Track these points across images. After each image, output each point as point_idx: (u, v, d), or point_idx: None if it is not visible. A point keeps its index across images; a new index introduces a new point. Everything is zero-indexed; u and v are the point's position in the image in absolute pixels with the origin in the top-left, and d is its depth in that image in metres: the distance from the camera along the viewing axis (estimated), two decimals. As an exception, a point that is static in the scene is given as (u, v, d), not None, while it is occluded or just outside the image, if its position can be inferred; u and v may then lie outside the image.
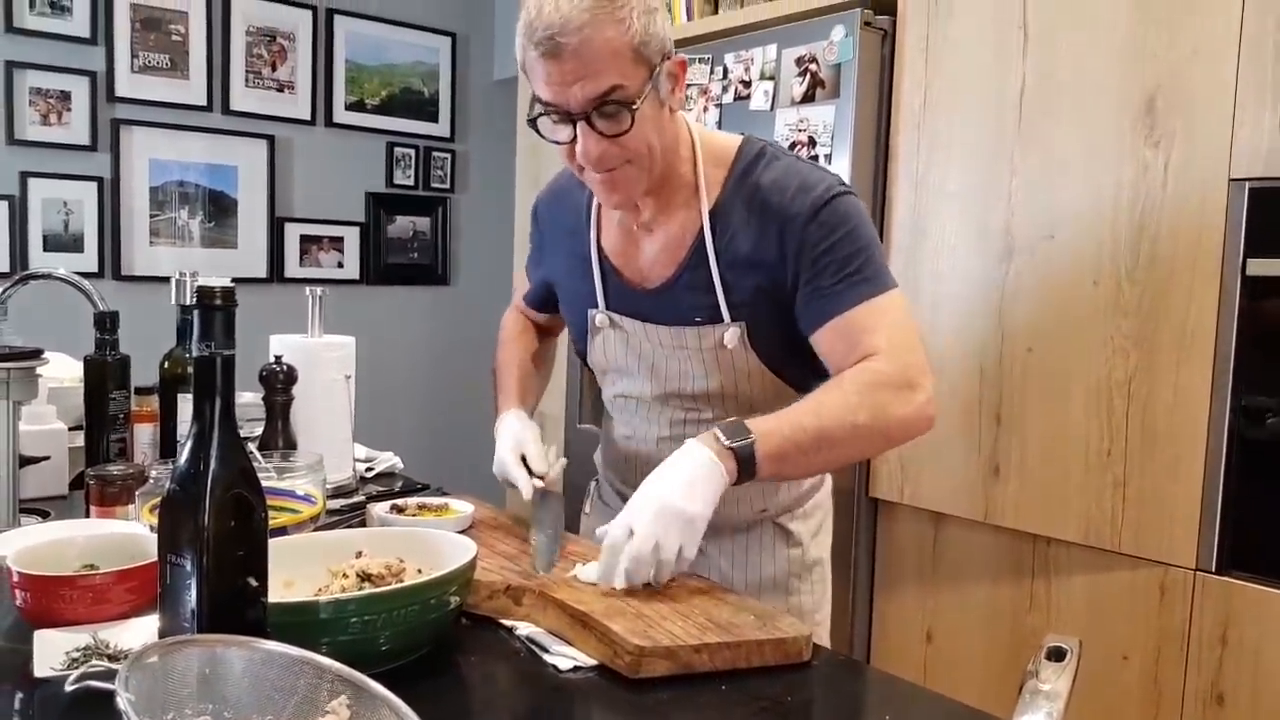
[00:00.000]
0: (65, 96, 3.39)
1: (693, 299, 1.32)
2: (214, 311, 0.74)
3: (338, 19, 3.96)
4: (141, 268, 3.54)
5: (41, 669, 0.89)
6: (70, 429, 1.65)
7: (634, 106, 1.17)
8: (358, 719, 0.68)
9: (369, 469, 1.83)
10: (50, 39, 3.35)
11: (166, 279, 1.72)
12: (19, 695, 0.91)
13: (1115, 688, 1.87)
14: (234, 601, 0.77)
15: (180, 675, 0.65)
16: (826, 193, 1.25)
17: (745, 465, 1.15)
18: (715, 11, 2.73)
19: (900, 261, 2.19)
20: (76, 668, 0.88)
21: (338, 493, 1.62)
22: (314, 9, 3.90)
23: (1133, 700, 1.85)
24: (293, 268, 3.91)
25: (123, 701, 0.56)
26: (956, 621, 2.17)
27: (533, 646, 1.06)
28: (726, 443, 1.15)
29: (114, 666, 0.81)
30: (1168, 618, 1.81)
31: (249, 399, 1.72)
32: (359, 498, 1.61)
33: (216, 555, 0.76)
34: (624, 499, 1.29)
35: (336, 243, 4.05)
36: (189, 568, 0.76)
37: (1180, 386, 1.78)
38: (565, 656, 1.02)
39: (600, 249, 1.42)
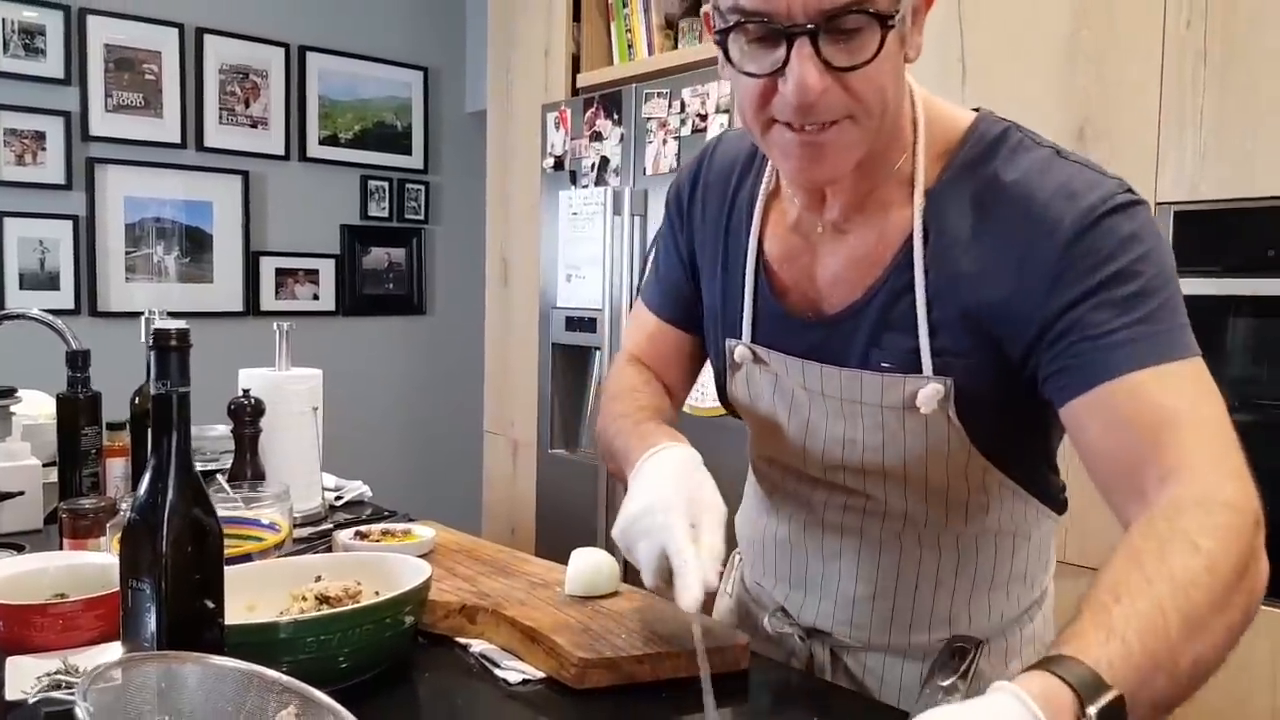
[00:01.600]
0: (40, 136, 3.45)
1: (883, 335, 0.95)
2: (169, 352, 0.80)
3: (310, 55, 4.04)
4: (117, 304, 3.59)
5: (13, 692, 0.94)
6: (45, 465, 1.70)
7: (890, 22, 0.81)
8: (305, 727, 0.73)
9: (338, 498, 1.88)
10: (24, 80, 3.41)
11: (141, 313, 1.78)
12: (-8, 720, 0.96)
13: None
14: (192, 623, 0.83)
15: (138, 689, 0.71)
16: (1105, 201, 0.85)
17: None
18: (675, 46, 2.81)
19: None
20: (46, 691, 0.93)
21: (306, 521, 1.67)
22: (286, 46, 3.97)
23: None
24: (268, 301, 3.96)
25: (82, 712, 0.61)
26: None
27: (485, 662, 1.11)
28: (1093, 710, 0.61)
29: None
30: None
31: (220, 431, 1.77)
32: (327, 525, 1.67)
33: (174, 579, 0.81)
34: (760, 586, 1.20)
35: (312, 275, 4.10)
36: (149, 591, 0.82)
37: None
38: (515, 670, 1.08)
39: (761, 254, 1.05)
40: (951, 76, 2.09)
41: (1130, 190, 0.87)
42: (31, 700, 0.88)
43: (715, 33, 0.86)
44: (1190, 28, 1.75)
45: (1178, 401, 0.79)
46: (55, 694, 0.91)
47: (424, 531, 1.50)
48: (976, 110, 0.97)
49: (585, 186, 2.91)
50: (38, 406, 1.93)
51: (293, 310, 3.96)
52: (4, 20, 3.35)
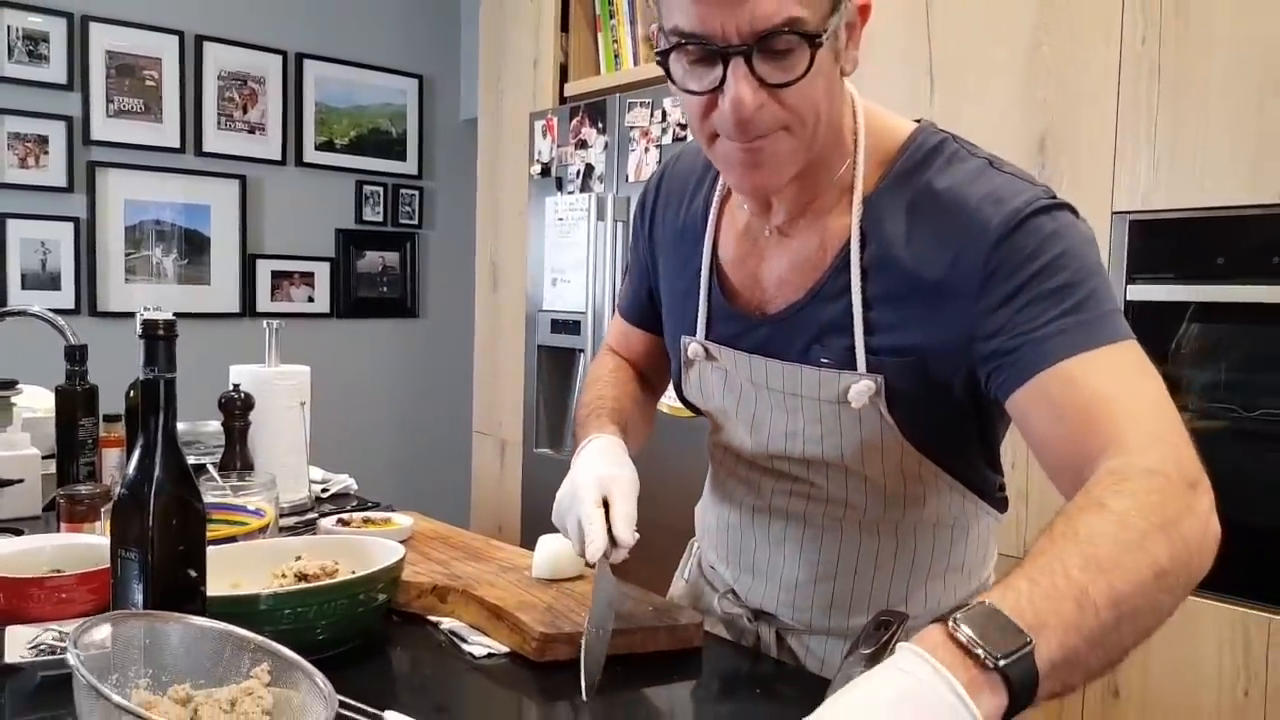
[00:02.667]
0: (43, 140, 3.52)
1: (822, 333, 1.01)
2: (158, 341, 0.87)
3: (307, 63, 4.12)
4: (117, 304, 3.67)
5: (11, 656, 1.02)
6: (44, 457, 1.77)
7: (817, 41, 0.86)
8: (277, 682, 0.80)
9: (324, 489, 1.95)
10: (28, 85, 3.49)
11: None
12: (-9, 685, 1.04)
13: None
14: (176, 590, 0.90)
15: (124, 645, 0.78)
16: (1029, 204, 0.89)
17: (1020, 693, 0.62)
18: (660, 57, 2.89)
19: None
20: (42, 656, 1.01)
21: (293, 511, 1.74)
22: (284, 54, 4.05)
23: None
24: (264, 303, 4.04)
25: (73, 658, 0.69)
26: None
27: (454, 638, 1.18)
28: (994, 662, 0.62)
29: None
30: (1069, 618, 1.94)
31: (215, 427, 1.84)
32: (312, 515, 1.74)
33: (160, 550, 0.89)
34: (715, 570, 1.27)
35: (307, 278, 4.18)
36: (137, 561, 0.89)
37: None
38: (481, 645, 1.15)
39: (715, 258, 1.11)
40: (920, 89, 2.17)
41: (1054, 197, 0.92)
42: (23, 659, 0.95)
43: (657, 53, 0.92)
44: (1145, 43, 1.82)
45: (1109, 384, 0.83)
46: (50, 658, 0.99)
47: (403, 520, 1.58)
48: (919, 121, 1.02)
49: (571, 193, 2.99)
50: (37, 401, 2.00)
51: (288, 312, 4.04)
52: (9, 27, 3.43)
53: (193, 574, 0.91)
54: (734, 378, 1.11)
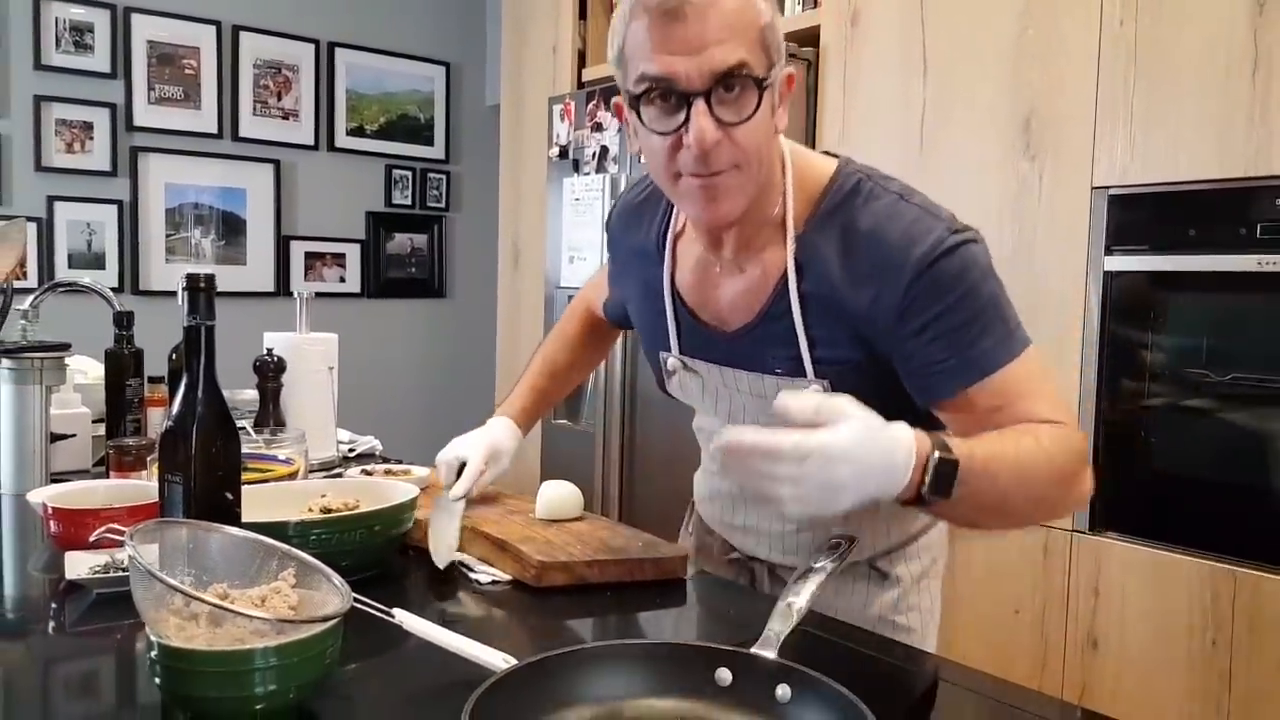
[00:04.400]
0: (88, 127, 3.70)
1: (775, 349, 1.16)
2: (199, 292, 1.01)
3: (339, 51, 4.27)
4: (158, 283, 3.84)
5: (72, 575, 1.16)
6: (93, 421, 1.92)
7: (764, 83, 1.00)
8: (301, 584, 0.94)
9: (351, 449, 2.09)
10: (74, 74, 3.66)
11: (181, 292, 2.00)
12: (53, 603, 1.18)
13: (1009, 639, 2.11)
14: (215, 512, 1.03)
15: (171, 548, 0.91)
16: (935, 248, 1.03)
17: (935, 487, 0.91)
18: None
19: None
20: (98, 575, 1.15)
21: (321, 467, 1.88)
22: (316, 42, 4.21)
23: (1024, 650, 2.09)
24: (298, 282, 4.20)
25: (130, 549, 0.82)
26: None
27: (462, 568, 1.31)
28: (938, 453, 0.91)
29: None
30: (1051, 575, 2.05)
31: (251, 395, 1.98)
32: (339, 471, 1.88)
33: (201, 474, 1.02)
34: (710, 528, 1.45)
35: (339, 259, 4.34)
36: (181, 485, 1.03)
37: (1055, 369, 2.03)
38: (487, 574, 1.28)
39: (674, 286, 1.26)
40: (914, 74, 2.27)
41: (958, 230, 1.06)
42: (86, 579, 1.10)
43: (629, 105, 1.05)
44: (1123, 26, 1.92)
45: (1004, 402, 1.03)
46: (105, 576, 1.14)
47: (421, 470, 1.71)
48: (836, 157, 1.17)
49: (587, 174, 3.12)
50: (87, 369, 2.16)
51: (320, 292, 4.18)
52: (56, 18, 3.61)
53: (229, 497, 1.05)
54: (709, 382, 1.27)
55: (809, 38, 2.50)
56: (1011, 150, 2.10)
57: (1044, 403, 1.04)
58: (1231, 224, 1.80)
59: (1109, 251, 1.95)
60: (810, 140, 2.52)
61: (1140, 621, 1.92)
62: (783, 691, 0.82)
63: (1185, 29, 1.84)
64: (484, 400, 4.20)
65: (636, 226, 1.32)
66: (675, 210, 1.26)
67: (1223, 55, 1.79)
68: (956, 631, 2.19)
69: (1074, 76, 2.00)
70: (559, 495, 1.44)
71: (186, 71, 3.90)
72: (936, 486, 0.90)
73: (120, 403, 1.81)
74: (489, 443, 1.48)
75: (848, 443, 0.86)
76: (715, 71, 0.98)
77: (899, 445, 0.89)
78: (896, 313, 1.05)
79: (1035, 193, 2.06)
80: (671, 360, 1.29)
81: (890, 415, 1.01)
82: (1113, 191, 1.96)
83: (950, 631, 2.18)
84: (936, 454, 0.90)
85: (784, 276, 1.13)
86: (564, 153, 3.24)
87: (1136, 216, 1.93)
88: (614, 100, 1.12)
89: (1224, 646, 1.80)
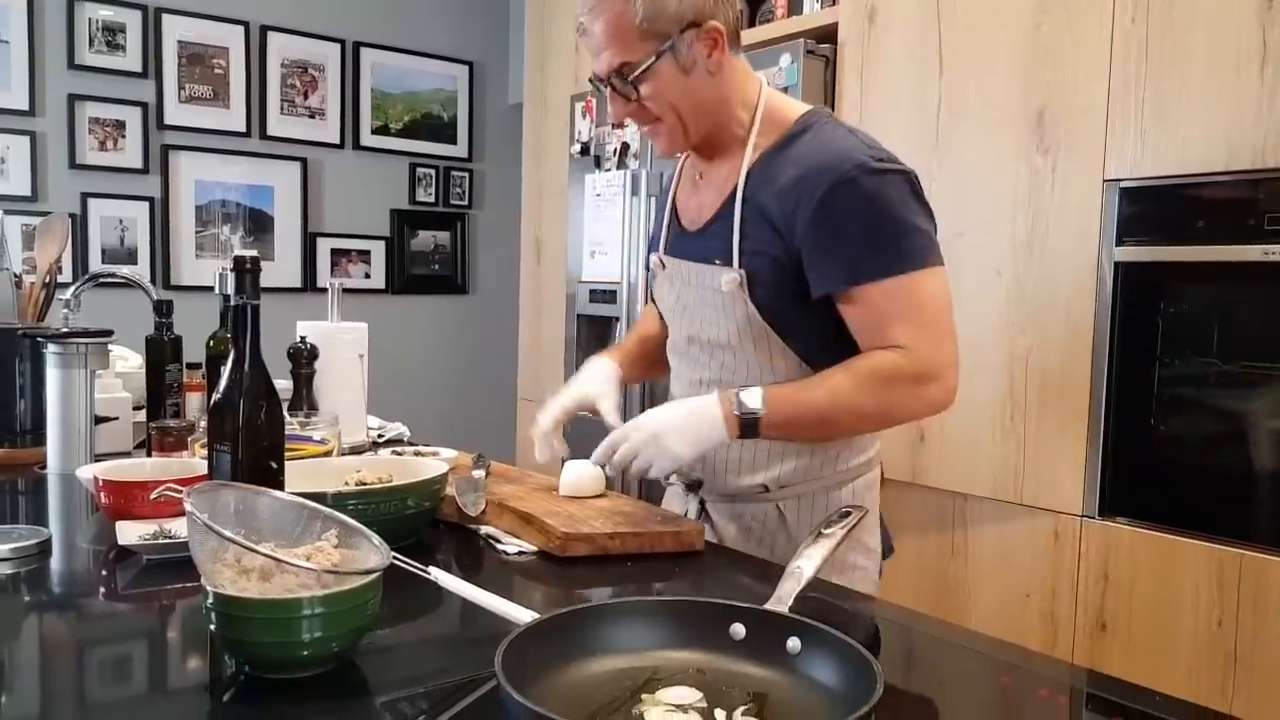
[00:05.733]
0: (120, 125, 3.79)
1: (719, 243, 1.39)
2: (245, 273, 1.07)
3: (364, 51, 4.35)
4: (188, 278, 3.93)
5: (124, 541, 1.23)
6: (134, 408, 2.00)
7: (631, 79, 1.33)
8: (343, 545, 1.00)
9: (380, 435, 2.16)
10: (106, 74, 3.75)
11: (210, 288, 2.07)
12: (104, 570, 1.25)
13: (1019, 622, 2.16)
14: (260, 478, 1.10)
15: (222, 509, 0.98)
16: (848, 172, 1.27)
17: (749, 430, 1.32)
18: (693, 41, 3.06)
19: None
20: (148, 541, 1.22)
21: (352, 451, 1.95)
22: (342, 42, 4.29)
23: (1033, 633, 2.13)
24: (324, 278, 4.28)
25: (189, 505, 0.89)
26: (889, 569, 2.46)
27: (490, 540, 1.37)
28: (736, 411, 1.30)
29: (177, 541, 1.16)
30: (1060, 559, 2.10)
31: (283, 384, 2.05)
32: (369, 455, 1.94)
33: (247, 444, 1.09)
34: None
35: (364, 255, 4.42)
36: (228, 454, 1.09)
37: (1067, 358, 2.08)
38: (514, 545, 1.34)
39: (675, 197, 1.55)
40: (930, 70, 2.32)
41: (883, 160, 1.29)
42: (138, 545, 1.17)
43: (594, 91, 1.43)
44: (1135, 23, 1.96)
45: (903, 306, 1.28)
46: (155, 543, 1.20)
47: (448, 452, 1.78)
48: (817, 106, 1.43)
49: (608, 170, 3.18)
50: (127, 357, 2.23)
51: (346, 288, 4.24)
52: (89, 19, 3.70)
53: (274, 465, 1.11)
54: (673, 278, 1.50)
55: (827, 34, 2.55)
56: (1025, 145, 2.14)
57: (907, 328, 1.28)
58: (1240, 215, 1.84)
59: (1120, 242, 2.00)
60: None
61: (1148, 604, 1.96)
62: (793, 644, 0.88)
63: (1195, 26, 1.87)
64: (507, 394, 4.27)
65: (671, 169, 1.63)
66: None
67: (1231, 51, 1.83)
68: (968, 615, 2.24)
69: (1086, 73, 2.04)
70: (581, 474, 1.50)
71: (216, 71, 3.99)
72: (749, 430, 1.31)
73: (161, 387, 1.88)
74: (609, 379, 1.60)
75: (656, 415, 1.35)
76: (609, 70, 1.34)
77: (708, 405, 1.32)
78: (808, 213, 1.28)
79: (1048, 186, 2.11)
80: (654, 259, 1.55)
81: (798, 313, 1.35)
82: (1124, 184, 2.00)
83: (962, 615, 2.24)
84: (737, 412, 1.30)
85: (736, 184, 1.39)
86: (585, 149, 3.30)
87: (1147, 208, 1.97)
88: (707, 26, 1.35)
89: (1230, 628, 1.84)
